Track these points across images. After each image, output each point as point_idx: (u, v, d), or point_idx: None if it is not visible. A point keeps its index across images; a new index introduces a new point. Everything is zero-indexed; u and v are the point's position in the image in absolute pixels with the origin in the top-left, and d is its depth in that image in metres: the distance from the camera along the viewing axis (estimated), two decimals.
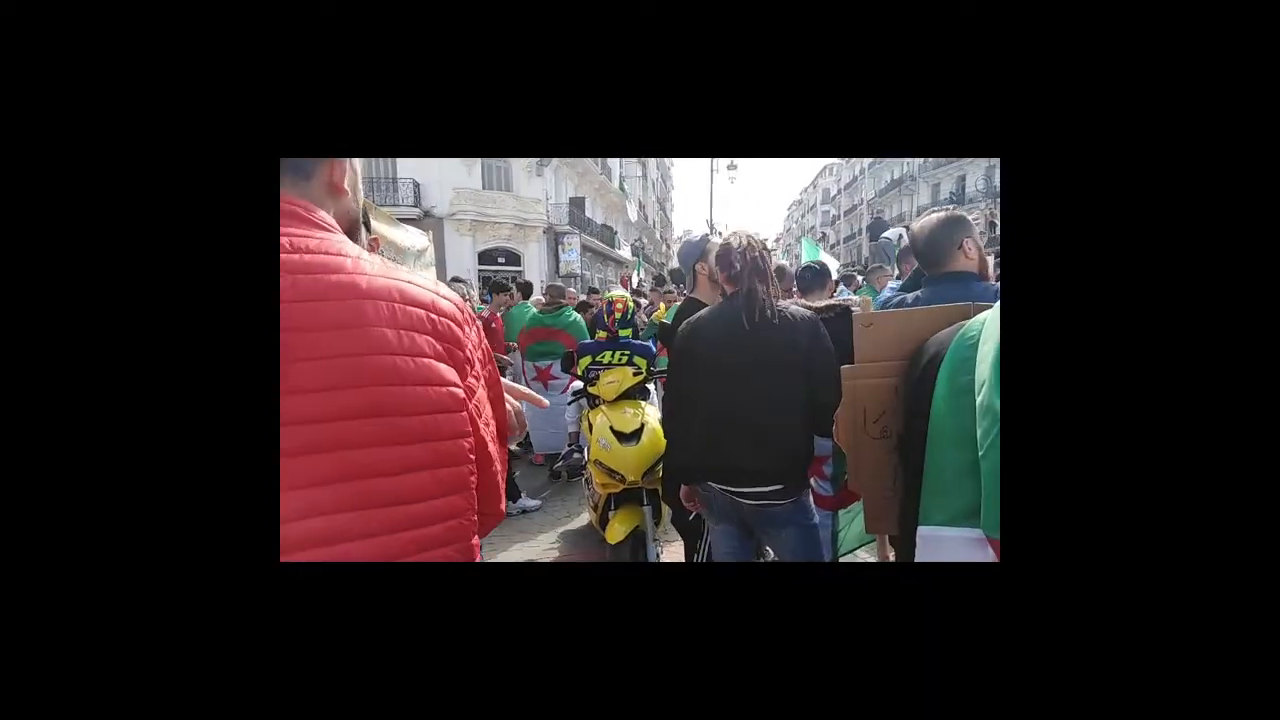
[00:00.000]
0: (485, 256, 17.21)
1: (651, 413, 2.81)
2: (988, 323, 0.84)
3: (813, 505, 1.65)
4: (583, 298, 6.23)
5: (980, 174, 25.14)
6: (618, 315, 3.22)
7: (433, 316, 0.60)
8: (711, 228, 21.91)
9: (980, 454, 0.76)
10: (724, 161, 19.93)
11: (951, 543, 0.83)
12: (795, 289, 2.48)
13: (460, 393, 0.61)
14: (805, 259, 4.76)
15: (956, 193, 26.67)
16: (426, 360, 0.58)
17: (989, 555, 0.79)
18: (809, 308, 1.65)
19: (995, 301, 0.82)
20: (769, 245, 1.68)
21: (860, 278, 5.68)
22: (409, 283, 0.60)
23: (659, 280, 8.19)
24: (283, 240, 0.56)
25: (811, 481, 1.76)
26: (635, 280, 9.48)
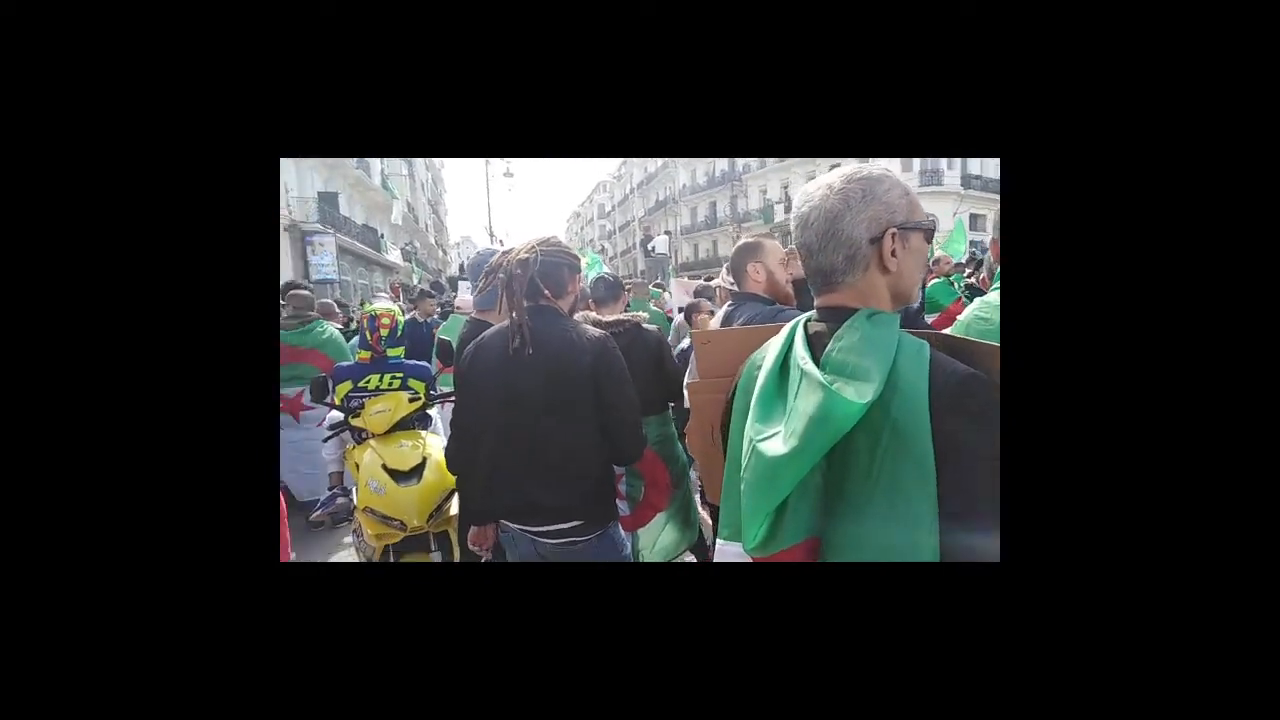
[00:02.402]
0: None
1: (435, 443, 2.43)
2: (764, 349, 0.84)
3: (621, 536, 1.54)
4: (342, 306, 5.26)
5: (726, 201, 29.28)
6: (383, 333, 2.70)
7: None
8: (491, 235, 21.21)
9: (740, 473, 0.75)
10: (500, 167, 19.33)
11: (727, 557, 0.84)
12: (590, 302, 2.39)
13: None
14: (588, 271, 4.79)
15: (709, 216, 30.62)
16: None
17: None
18: (600, 324, 1.55)
19: (775, 321, 0.84)
20: (557, 247, 1.47)
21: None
22: None
23: (436, 287, 7.47)
24: None
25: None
26: (415, 281, 8.58)
